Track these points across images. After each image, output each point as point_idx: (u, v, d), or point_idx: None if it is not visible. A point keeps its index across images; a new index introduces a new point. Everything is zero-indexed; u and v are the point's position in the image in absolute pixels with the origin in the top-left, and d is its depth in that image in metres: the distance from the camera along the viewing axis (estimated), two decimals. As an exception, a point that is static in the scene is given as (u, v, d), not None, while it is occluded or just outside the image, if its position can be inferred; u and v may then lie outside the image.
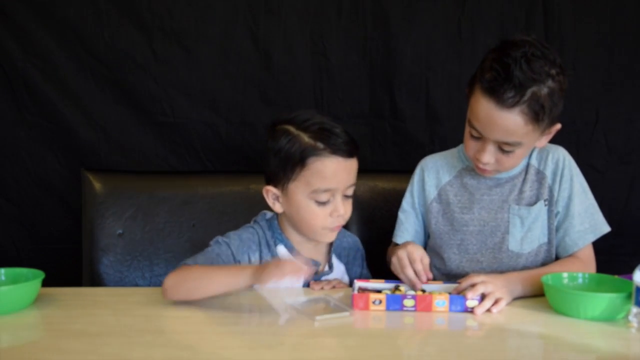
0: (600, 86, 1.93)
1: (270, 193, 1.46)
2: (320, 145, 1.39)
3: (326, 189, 1.39)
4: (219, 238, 1.45)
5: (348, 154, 1.41)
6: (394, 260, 1.39)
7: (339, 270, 1.55)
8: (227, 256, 1.42)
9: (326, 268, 1.52)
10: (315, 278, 1.48)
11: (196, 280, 1.31)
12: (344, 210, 1.42)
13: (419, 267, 1.35)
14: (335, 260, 1.54)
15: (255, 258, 1.45)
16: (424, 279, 1.35)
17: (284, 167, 1.41)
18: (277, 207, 1.46)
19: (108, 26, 1.93)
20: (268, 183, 1.47)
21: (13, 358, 1.07)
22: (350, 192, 1.44)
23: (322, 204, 1.41)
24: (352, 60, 1.97)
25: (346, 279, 1.55)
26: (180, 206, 1.81)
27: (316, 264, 1.48)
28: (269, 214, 1.52)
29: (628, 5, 1.90)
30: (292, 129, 1.42)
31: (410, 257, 1.36)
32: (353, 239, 1.61)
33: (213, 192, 1.83)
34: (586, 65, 1.92)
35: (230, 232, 1.47)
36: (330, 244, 1.53)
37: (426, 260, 1.38)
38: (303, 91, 1.98)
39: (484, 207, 1.50)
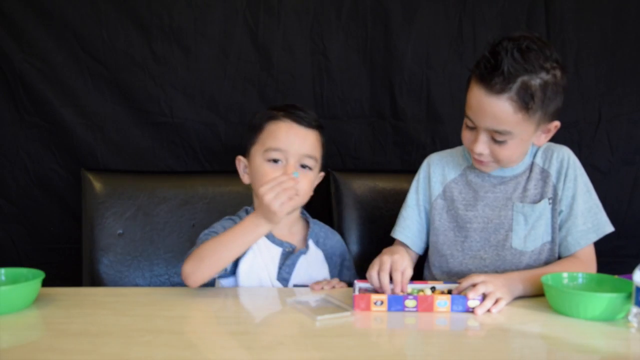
0: (602, 86, 1.93)
1: (242, 163, 1.56)
2: (280, 113, 1.50)
3: (277, 147, 1.46)
4: (205, 231, 1.49)
5: (306, 123, 1.49)
6: (375, 261, 1.36)
7: (318, 255, 1.55)
8: None
9: (303, 247, 1.54)
10: (292, 257, 1.50)
11: (214, 253, 1.35)
12: (295, 177, 1.39)
13: (398, 277, 1.31)
14: (312, 246, 1.55)
15: None
16: (398, 289, 1.31)
17: (249, 136, 1.53)
18: (246, 179, 1.55)
19: (106, 25, 1.93)
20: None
21: (13, 358, 1.07)
22: (308, 162, 1.48)
23: (272, 162, 1.46)
24: (352, 59, 1.96)
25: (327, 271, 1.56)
26: (180, 206, 1.82)
27: (291, 247, 1.52)
28: (249, 208, 1.57)
29: (631, 4, 1.90)
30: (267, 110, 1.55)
31: (394, 265, 1.32)
32: (337, 239, 1.62)
33: (213, 192, 1.84)
34: (589, 65, 1.91)
35: (214, 224, 1.52)
36: (307, 228, 1.56)
37: (408, 274, 1.33)
38: (303, 91, 1.97)
39: (487, 205, 1.50)
